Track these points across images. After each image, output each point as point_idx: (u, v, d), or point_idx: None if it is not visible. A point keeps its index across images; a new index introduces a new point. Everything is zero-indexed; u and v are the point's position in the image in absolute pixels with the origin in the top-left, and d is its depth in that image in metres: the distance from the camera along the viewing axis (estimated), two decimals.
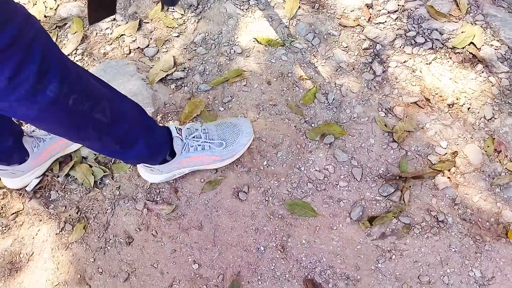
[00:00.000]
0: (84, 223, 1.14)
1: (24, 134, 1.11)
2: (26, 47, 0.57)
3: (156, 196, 1.15)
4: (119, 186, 1.17)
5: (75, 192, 1.19)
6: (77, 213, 1.16)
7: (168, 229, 1.11)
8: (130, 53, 1.37)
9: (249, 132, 1.13)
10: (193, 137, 1.07)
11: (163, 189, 1.15)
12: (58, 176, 1.21)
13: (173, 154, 1.04)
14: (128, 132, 0.86)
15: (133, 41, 1.39)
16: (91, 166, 1.20)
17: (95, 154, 1.22)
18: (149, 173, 1.10)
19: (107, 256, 1.10)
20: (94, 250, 1.11)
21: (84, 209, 1.16)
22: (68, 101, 0.66)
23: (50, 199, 1.18)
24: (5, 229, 1.16)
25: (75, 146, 1.22)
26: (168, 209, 1.12)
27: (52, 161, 1.21)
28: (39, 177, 1.20)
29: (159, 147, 1.00)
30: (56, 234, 1.14)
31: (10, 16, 0.55)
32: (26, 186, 1.19)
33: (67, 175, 1.21)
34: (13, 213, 1.18)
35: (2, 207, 1.19)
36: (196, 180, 1.15)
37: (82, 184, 1.19)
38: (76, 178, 1.20)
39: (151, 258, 1.08)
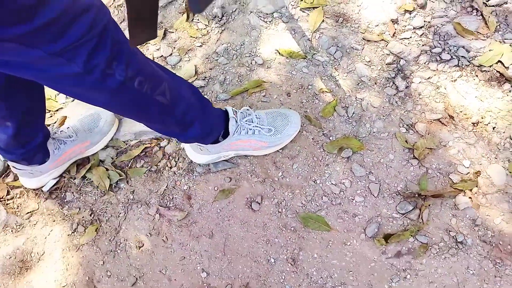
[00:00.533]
0: (97, 226, 1.22)
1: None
2: (99, 34, 0.66)
3: (169, 202, 1.22)
4: (133, 191, 1.25)
5: (90, 195, 1.27)
6: (90, 215, 1.24)
7: (179, 235, 1.17)
8: (153, 59, 1.47)
9: (297, 124, 1.22)
10: (246, 120, 1.16)
11: (176, 196, 1.22)
12: (74, 178, 1.30)
13: (225, 136, 1.14)
14: (186, 113, 0.96)
15: (157, 49, 1.49)
16: (107, 170, 1.29)
17: (112, 158, 1.31)
18: (197, 153, 1.20)
19: (117, 259, 1.16)
20: (104, 253, 1.18)
21: (97, 211, 1.24)
22: (134, 84, 0.76)
23: (65, 200, 1.27)
24: (19, 228, 1.25)
25: (94, 149, 1.32)
26: (180, 215, 1.18)
27: (70, 163, 1.31)
28: (56, 178, 1.30)
29: (213, 127, 1.11)
30: (68, 235, 1.22)
31: (86, 8, 0.65)
32: (43, 186, 1.29)
33: (84, 177, 1.30)
34: (28, 212, 1.27)
35: (18, 206, 1.28)
36: (209, 188, 1.22)
37: (98, 187, 1.27)
38: (92, 181, 1.29)
39: (160, 264, 1.14)
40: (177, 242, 1.16)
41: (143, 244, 1.17)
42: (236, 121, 1.13)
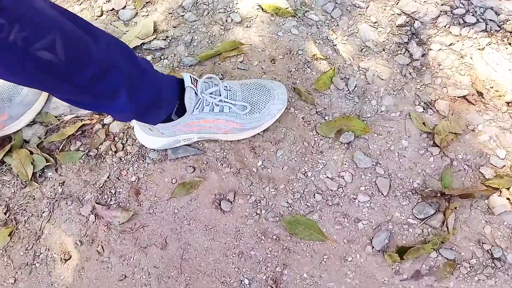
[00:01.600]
0: (11, 228, 0.85)
1: None
2: None
3: (109, 199, 0.86)
4: (64, 182, 0.89)
5: (7, 185, 0.91)
6: (5, 213, 0.87)
7: (119, 245, 0.82)
8: (102, 15, 1.10)
9: (283, 99, 0.88)
10: (212, 93, 0.81)
11: (120, 190, 0.86)
12: None
13: (179, 113, 0.80)
14: (100, 79, 0.61)
15: (108, 1, 1.11)
16: (32, 153, 0.92)
17: (40, 138, 0.94)
18: (146, 134, 0.84)
19: (33, 276, 0.81)
20: (18, 267, 0.82)
21: (14, 208, 0.88)
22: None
23: None
24: None
25: (16, 124, 0.94)
26: (124, 217, 0.83)
27: None
28: None
29: (158, 100, 0.74)
30: None
31: None
32: None
33: (2, 162, 0.93)
34: None
35: None
36: (165, 180, 0.87)
37: (18, 175, 0.90)
38: (11, 168, 0.92)
39: (91, 285, 0.79)
40: (116, 254, 0.81)
41: (71, 256, 0.82)
42: (195, 93, 0.77)
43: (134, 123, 0.88)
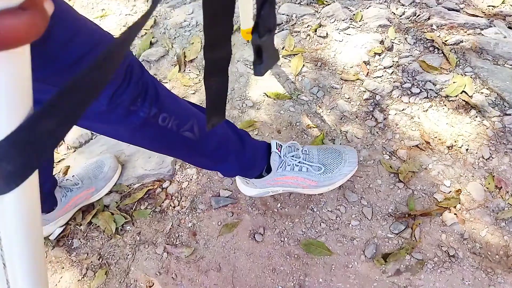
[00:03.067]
0: (106, 269, 1.17)
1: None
2: (123, 74, 0.66)
3: (175, 240, 1.19)
4: (140, 232, 1.22)
5: (96, 239, 1.23)
6: (98, 259, 1.19)
7: (187, 272, 1.13)
8: None
9: (354, 163, 1.10)
10: (292, 156, 1.05)
11: (182, 233, 1.20)
12: (80, 225, 1.26)
13: (269, 170, 1.05)
14: (218, 149, 0.90)
15: None
16: (112, 214, 1.26)
17: (117, 202, 1.29)
18: (244, 185, 1.12)
19: None
20: None
21: (105, 255, 1.20)
22: (158, 120, 0.73)
23: (73, 246, 1.22)
24: None
25: (99, 195, 1.29)
26: (187, 251, 1.15)
27: (75, 210, 1.27)
28: (62, 226, 1.25)
29: (253, 162, 1.01)
30: (78, 280, 1.16)
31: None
32: (49, 235, 1.24)
33: (90, 223, 1.26)
34: None
35: None
36: (213, 223, 1.20)
37: (104, 231, 1.23)
38: (98, 226, 1.25)
39: None
40: (186, 278, 1.13)
41: (153, 284, 1.13)
42: (279, 156, 1.03)
43: (236, 177, 1.18)
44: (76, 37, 0.59)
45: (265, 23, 0.46)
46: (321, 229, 1.17)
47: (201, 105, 0.95)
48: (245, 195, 1.21)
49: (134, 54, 0.73)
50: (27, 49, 0.23)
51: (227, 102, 0.51)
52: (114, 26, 1.78)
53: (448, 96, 1.38)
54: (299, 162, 1.06)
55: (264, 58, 0.49)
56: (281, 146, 1.06)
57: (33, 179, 0.29)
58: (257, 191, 1.14)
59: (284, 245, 1.15)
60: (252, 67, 1.53)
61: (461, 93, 1.38)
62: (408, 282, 1.07)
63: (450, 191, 1.20)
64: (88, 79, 0.25)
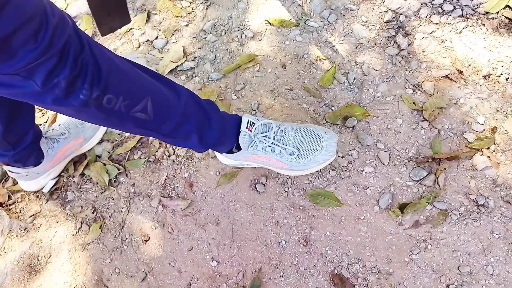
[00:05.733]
0: (100, 223, 1.10)
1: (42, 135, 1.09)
2: (59, 52, 0.55)
3: (170, 192, 1.09)
4: (134, 184, 1.13)
5: (90, 192, 1.15)
6: (93, 213, 1.12)
7: (184, 225, 1.05)
8: (139, 46, 1.32)
9: (331, 152, 0.98)
10: (264, 136, 0.96)
11: (178, 184, 1.09)
12: (73, 176, 1.18)
13: (239, 148, 0.96)
14: (178, 128, 0.80)
15: (142, 34, 1.33)
16: (105, 164, 1.16)
17: (109, 152, 1.19)
18: (219, 154, 1.03)
19: (124, 256, 1.05)
20: (111, 250, 1.07)
21: (100, 208, 1.12)
22: (102, 102, 0.63)
23: (67, 199, 1.16)
24: (23, 232, 1.14)
25: (89, 144, 1.19)
26: (184, 204, 1.06)
27: (67, 161, 1.18)
28: (55, 178, 1.18)
29: (219, 140, 0.92)
30: (73, 235, 1.10)
31: (42, 25, 0.52)
32: (42, 188, 1.17)
33: (82, 174, 1.18)
34: (31, 216, 1.15)
35: (20, 210, 1.17)
36: (211, 173, 1.09)
37: (97, 183, 1.15)
38: (91, 178, 1.16)
39: (168, 257, 1.03)
40: (183, 232, 1.05)
41: (149, 238, 1.06)
42: (250, 136, 0.93)
43: None
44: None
45: None
46: (330, 177, 1.03)
47: None
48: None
49: (72, 23, 0.58)
50: None
51: (126, 2, 0.37)
52: None
53: (487, 13, 1.13)
54: (271, 143, 0.95)
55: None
56: (254, 124, 0.94)
57: None
58: (231, 161, 1.02)
59: (288, 196, 1.03)
60: None
61: (504, 8, 1.12)
62: (427, 235, 0.94)
63: (484, 130, 1.02)
64: None
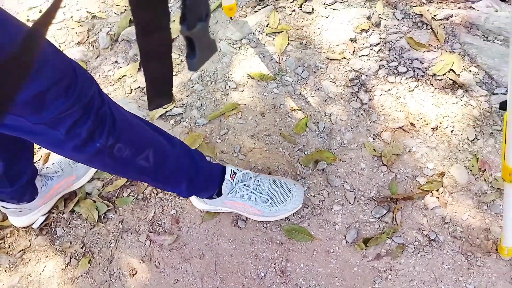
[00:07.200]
0: (89, 258, 1.15)
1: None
2: (84, 106, 0.65)
3: (158, 228, 1.17)
4: (122, 220, 1.19)
5: (79, 228, 1.21)
6: (82, 248, 1.17)
7: (170, 259, 1.12)
8: (131, 92, 1.43)
9: (298, 201, 1.10)
10: (244, 184, 1.06)
11: (165, 220, 1.17)
12: (63, 213, 1.23)
13: (219, 194, 1.06)
14: (171, 176, 0.91)
15: (134, 81, 1.44)
16: (95, 202, 1.23)
17: (99, 190, 1.25)
18: (195, 199, 1.13)
19: None
20: (99, 284, 1.11)
21: (88, 243, 1.18)
22: (113, 150, 0.73)
23: (56, 235, 1.20)
24: (12, 267, 1.17)
25: (80, 182, 1.25)
26: (170, 239, 1.13)
27: (57, 198, 1.24)
28: (45, 214, 1.22)
29: (204, 187, 1.04)
30: (62, 269, 1.14)
31: (72, 83, 0.62)
32: (32, 224, 1.21)
33: (72, 211, 1.23)
34: (20, 251, 1.19)
35: (9, 245, 1.20)
36: (196, 210, 1.18)
37: (87, 219, 1.21)
38: (80, 214, 1.22)
39: None
40: (169, 266, 1.11)
41: (137, 271, 1.12)
42: (231, 184, 1.05)
43: None
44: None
45: (193, 12, 0.40)
46: (303, 214, 1.15)
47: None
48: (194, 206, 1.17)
49: (93, 79, 0.70)
50: None
51: (173, 85, 0.48)
52: (92, 3, 1.67)
53: (435, 75, 1.32)
54: (249, 191, 1.07)
55: (197, 51, 0.43)
56: (235, 173, 1.06)
57: None
58: (207, 207, 1.13)
59: (266, 231, 1.13)
60: (234, 46, 1.46)
61: (448, 71, 1.32)
62: (388, 266, 1.06)
63: (433, 174, 1.17)
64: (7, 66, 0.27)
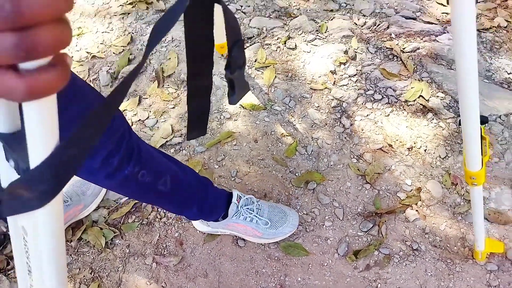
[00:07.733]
0: (98, 282, 1.20)
1: None
2: (117, 140, 0.75)
3: (163, 250, 1.23)
4: (129, 245, 1.26)
5: (87, 254, 1.26)
6: (91, 273, 1.22)
7: (176, 279, 1.18)
8: (132, 125, 1.51)
9: (294, 225, 1.19)
10: (247, 208, 1.15)
11: (169, 243, 1.24)
12: (71, 241, 1.28)
13: (224, 217, 1.15)
14: (185, 200, 1.01)
15: (135, 114, 1.53)
16: (101, 229, 1.28)
17: (105, 217, 1.31)
18: (198, 222, 1.21)
19: None
20: None
21: (97, 269, 1.23)
22: (138, 176, 0.82)
23: None
24: None
25: (87, 211, 1.31)
26: (175, 260, 1.20)
27: (65, 227, 1.29)
28: None
29: (213, 210, 1.12)
30: None
31: (112, 119, 0.74)
32: None
33: (80, 238, 1.28)
34: None
35: None
36: (197, 232, 1.25)
37: (94, 246, 1.26)
38: (88, 241, 1.27)
39: None
40: (175, 286, 1.17)
41: None
42: (237, 207, 1.13)
43: None
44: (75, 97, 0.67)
45: (235, 62, 0.51)
46: (298, 231, 1.23)
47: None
48: (196, 229, 1.26)
49: (124, 118, 0.82)
50: (54, 96, 0.28)
51: (207, 121, 0.57)
52: (91, 44, 1.78)
53: (407, 101, 1.46)
54: (252, 215, 1.15)
55: (236, 90, 0.54)
56: (241, 198, 1.15)
57: (59, 197, 0.34)
58: (208, 229, 1.21)
59: (265, 249, 1.21)
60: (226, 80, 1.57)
61: (418, 97, 1.47)
62: (377, 276, 1.15)
63: (412, 190, 1.29)
64: (83, 134, 0.29)
